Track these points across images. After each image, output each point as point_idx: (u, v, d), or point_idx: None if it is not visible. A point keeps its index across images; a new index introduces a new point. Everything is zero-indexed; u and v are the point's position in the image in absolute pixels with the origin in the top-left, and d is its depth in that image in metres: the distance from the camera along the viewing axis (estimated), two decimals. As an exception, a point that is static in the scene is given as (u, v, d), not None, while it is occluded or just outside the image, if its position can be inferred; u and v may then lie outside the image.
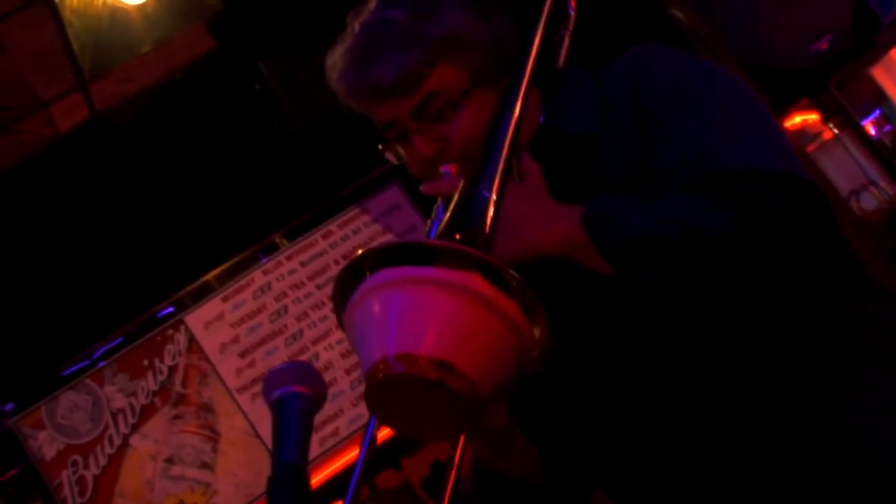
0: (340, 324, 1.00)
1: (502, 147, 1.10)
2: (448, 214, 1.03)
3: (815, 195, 1.18)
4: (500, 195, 1.04)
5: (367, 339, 0.94)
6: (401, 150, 1.36)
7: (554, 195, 1.22)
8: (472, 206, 1.03)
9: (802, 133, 4.25)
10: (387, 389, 0.92)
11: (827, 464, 1.17)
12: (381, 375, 0.90)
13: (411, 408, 0.94)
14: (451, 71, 1.31)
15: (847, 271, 1.30)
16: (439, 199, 1.26)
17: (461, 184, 1.06)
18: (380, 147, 1.37)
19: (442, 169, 1.27)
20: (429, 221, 1.28)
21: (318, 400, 1.13)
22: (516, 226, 1.14)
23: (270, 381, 1.13)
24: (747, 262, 1.15)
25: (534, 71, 1.21)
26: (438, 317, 0.91)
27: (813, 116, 4.17)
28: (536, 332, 0.95)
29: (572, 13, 1.34)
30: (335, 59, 1.37)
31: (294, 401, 1.11)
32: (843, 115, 4.17)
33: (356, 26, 1.35)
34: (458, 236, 0.99)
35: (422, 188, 1.26)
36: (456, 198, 1.04)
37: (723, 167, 1.20)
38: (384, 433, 1.11)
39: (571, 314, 1.27)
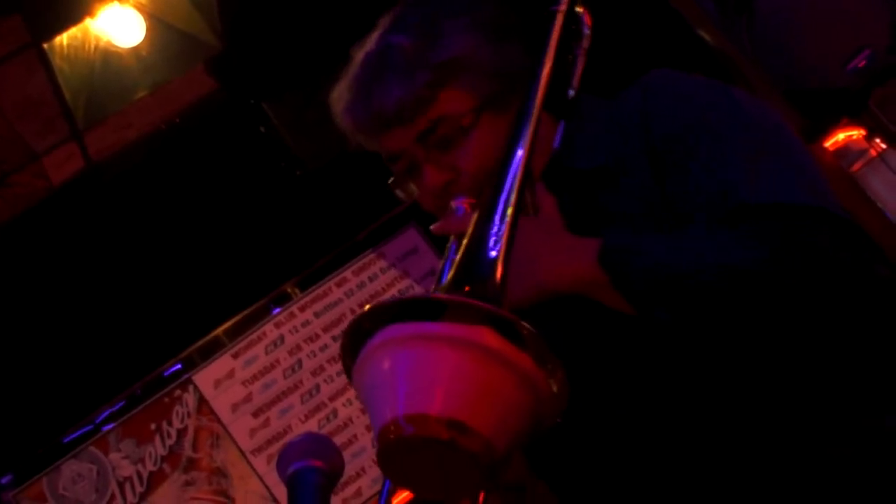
0: (351, 382, 0.99)
1: (513, 185, 1.04)
2: (456, 263, 1.00)
3: (850, 231, 1.13)
4: (511, 238, 0.99)
5: (377, 399, 0.94)
6: (411, 185, 1.35)
7: (568, 228, 1.19)
8: (482, 255, 0.98)
9: (846, 152, 4.10)
10: (399, 451, 0.91)
11: None
12: (392, 437, 0.90)
13: (425, 468, 0.93)
14: (457, 95, 1.29)
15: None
16: (452, 237, 1.22)
17: (472, 224, 1.02)
18: (389, 183, 1.35)
19: (454, 204, 1.26)
20: (441, 261, 1.23)
21: (334, 474, 1.13)
22: (530, 263, 1.12)
23: (285, 455, 1.13)
24: (777, 299, 1.09)
25: (547, 96, 1.15)
26: (449, 374, 0.90)
27: (857, 133, 4.01)
28: (553, 386, 0.93)
29: (587, 31, 1.29)
30: (339, 92, 1.35)
31: (310, 475, 1.11)
32: (886, 132, 4.01)
33: (360, 56, 1.34)
34: (467, 288, 0.95)
35: (433, 228, 1.24)
36: (465, 242, 1.00)
37: (749, 200, 1.16)
38: (407, 496, 1.10)
39: (588, 355, 1.26)
